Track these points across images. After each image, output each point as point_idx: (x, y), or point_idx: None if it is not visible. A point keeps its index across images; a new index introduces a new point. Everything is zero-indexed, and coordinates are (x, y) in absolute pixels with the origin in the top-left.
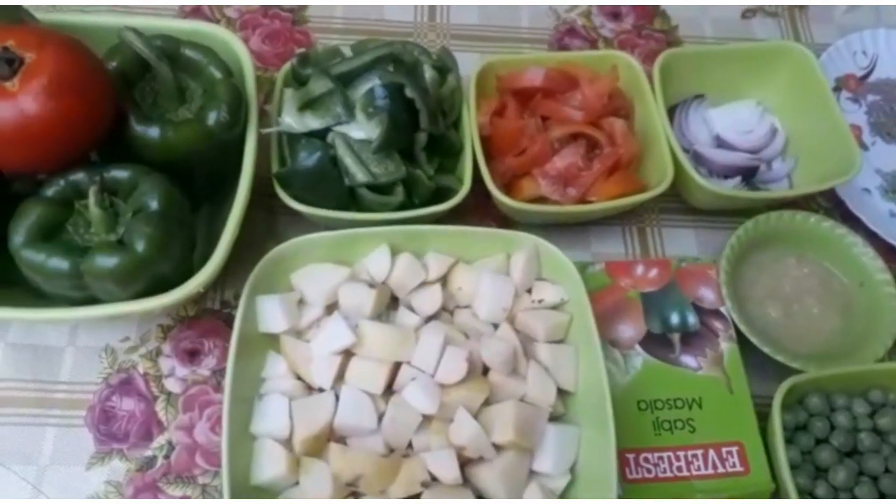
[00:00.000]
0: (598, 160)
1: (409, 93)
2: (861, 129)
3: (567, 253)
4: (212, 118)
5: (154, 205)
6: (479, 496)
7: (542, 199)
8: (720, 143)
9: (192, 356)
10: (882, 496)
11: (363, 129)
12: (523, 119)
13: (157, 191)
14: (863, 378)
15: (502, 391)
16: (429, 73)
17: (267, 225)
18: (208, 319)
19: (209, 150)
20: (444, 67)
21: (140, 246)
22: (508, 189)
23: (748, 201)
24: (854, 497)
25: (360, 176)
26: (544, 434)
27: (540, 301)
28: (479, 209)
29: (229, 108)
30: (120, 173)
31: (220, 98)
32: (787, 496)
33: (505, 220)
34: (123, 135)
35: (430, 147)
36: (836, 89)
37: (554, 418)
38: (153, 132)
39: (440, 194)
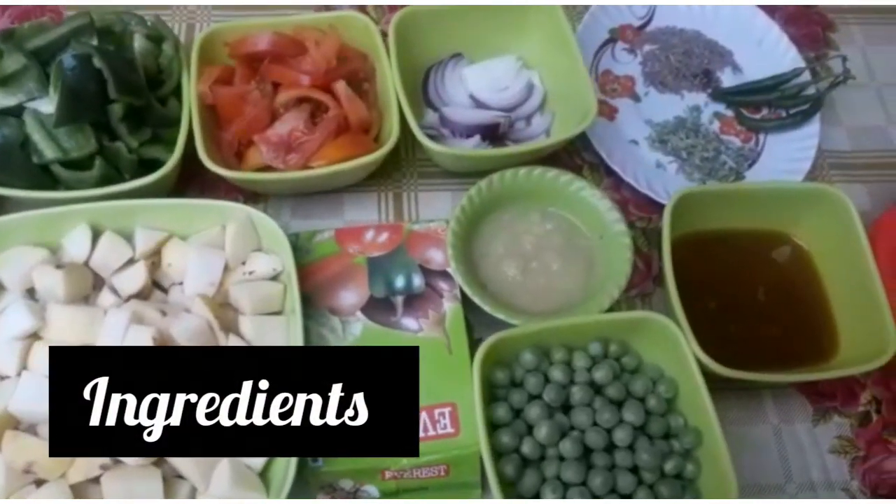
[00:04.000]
0: (320, 124)
1: (97, 62)
2: (634, 79)
3: (318, 222)
4: None
5: None
6: (178, 476)
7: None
8: (478, 102)
9: None
10: (587, 450)
11: (54, 104)
12: (251, 86)
13: None
14: (582, 330)
15: None
16: (139, 43)
17: None
18: None
19: None
20: (160, 37)
21: None
22: (241, 159)
23: (489, 160)
24: (559, 453)
25: (48, 152)
26: None
27: (251, 273)
28: (226, 181)
29: None
30: None
31: None
32: (484, 456)
33: (254, 193)
34: None
35: (139, 118)
36: (612, 40)
37: None
38: None
39: (156, 167)
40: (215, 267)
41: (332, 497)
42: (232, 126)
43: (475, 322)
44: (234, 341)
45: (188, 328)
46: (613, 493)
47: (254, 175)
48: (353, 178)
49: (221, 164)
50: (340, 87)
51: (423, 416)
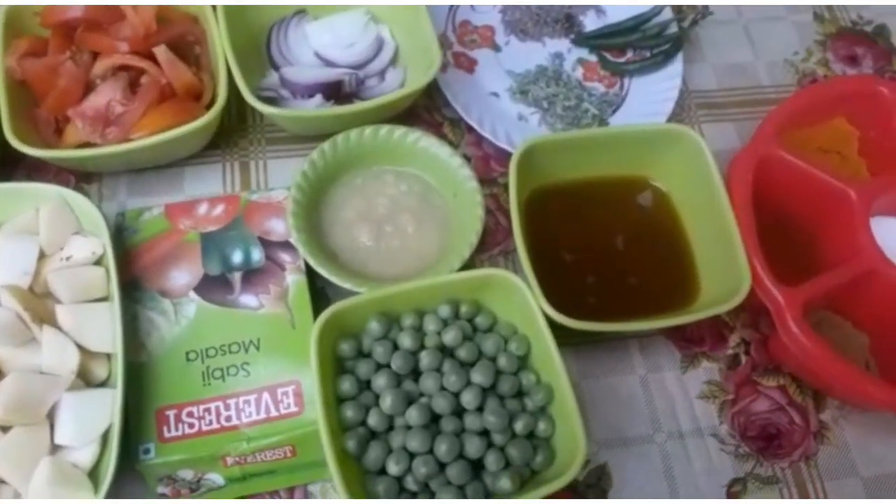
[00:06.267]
0: (139, 93)
1: None
2: (494, 29)
3: (157, 198)
4: None
5: None
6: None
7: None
8: (324, 60)
9: None
10: (435, 416)
11: None
12: (65, 56)
13: None
14: (431, 293)
15: (12, 364)
16: None
17: None
18: None
19: None
20: None
21: None
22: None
23: (332, 120)
24: (407, 422)
25: None
26: (61, 404)
27: (68, 258)
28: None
29: None
30: None
31: None
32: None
33: (86, 173)
34: None
35: None
36: None
37: (99, 383)
38: None
39: None
40: (28, 254)
41: (174, 488)
42: (45, 101)
43: (332, 294)
44: (49, 333)
45: None
46: (462, 458)
47: (66, 153)
48: (187, 148)
49: (40, 144)
50: (160, 51)
51: (266, 396)
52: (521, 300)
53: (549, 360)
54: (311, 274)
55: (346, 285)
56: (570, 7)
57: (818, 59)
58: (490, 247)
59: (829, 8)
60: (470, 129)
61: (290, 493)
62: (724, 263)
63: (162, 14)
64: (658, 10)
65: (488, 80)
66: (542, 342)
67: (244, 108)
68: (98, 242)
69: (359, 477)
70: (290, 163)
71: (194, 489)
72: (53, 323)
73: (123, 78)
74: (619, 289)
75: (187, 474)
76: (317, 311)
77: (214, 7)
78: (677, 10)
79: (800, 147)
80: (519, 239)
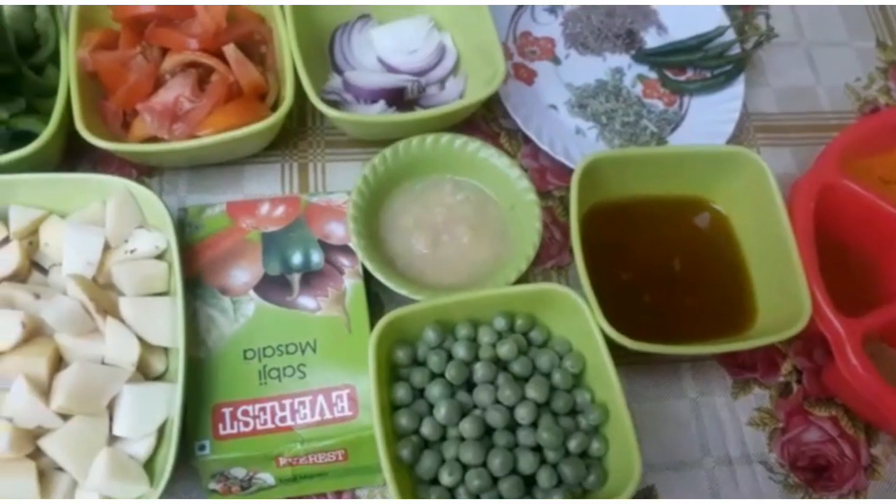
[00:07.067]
0: (207, 90)
1: None
2: (555, 41)
3: (216, 196)
4: None
5: None
6: (57, 468)
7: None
8: (387, 66)
9: None
10: (489, 429)
11: None
12: (136, 50)
13: None
14: (487, 305)
15: (75, 353)
16: (9, 7)
17: None
18: None
19: None
20: None
21: None
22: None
23: (393, 126)
24: (460, 433)
25: None
26: (121, 396)
27: (132, 251)
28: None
29: None
30: None
31: None
32: (377, 438)
33: (149, 167)
34: None
35: (10, 87)
36: None
37: (156, 377)
38: None
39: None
40: (93, 245)
41: (225, 485)
42: (115, 94)
43: (386, 300)
44: (112, 324)
45: (60, 311)
46: (515, 473)
47: (134, 147)
48: (249, 147)
49: (108, 136)
50: (230, 50)
51: (320, 398)
52: (578, 317)
53: (606, 379)
54: (365, 278)
55: (403, 292)
56: (632, 23)
57: (880, 87)
58: (544, 260)
59: (893, 34)
60: (527, 140)
61: (338, 497)
62: (782, 290)
63: (230, 12)
64: (721, 30)
65: (547, 92)
66: (599, 361)
67: (305, 110)
68: (161, 237)
69: (410, 485)
70: (348, 167)
71: (245, 487)
72: (116, 315)
73: (192, 75)
74: (674, 310)
75: (239, 472)
76: (370, 315)
77: (282, 7)
78: (740, 31)
79: (860, 176)
80: (578, 255)
